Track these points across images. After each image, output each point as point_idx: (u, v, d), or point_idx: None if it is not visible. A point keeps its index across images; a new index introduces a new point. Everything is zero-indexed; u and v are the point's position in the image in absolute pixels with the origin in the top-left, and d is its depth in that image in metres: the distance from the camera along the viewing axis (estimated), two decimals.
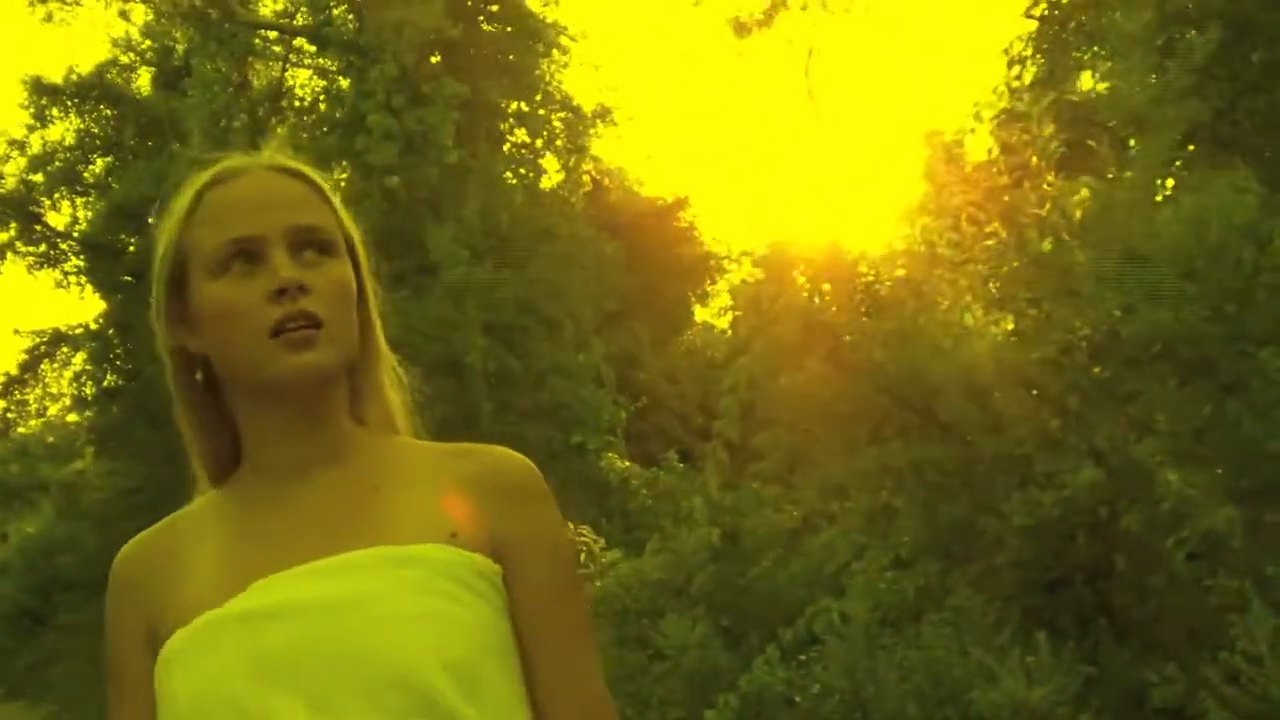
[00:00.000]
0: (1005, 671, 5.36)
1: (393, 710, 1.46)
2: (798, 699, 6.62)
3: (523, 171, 17.69)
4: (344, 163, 16.94)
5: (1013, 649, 5.63)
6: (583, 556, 9.16)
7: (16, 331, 24.11)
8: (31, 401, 25.14)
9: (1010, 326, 7.01)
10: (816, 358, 6.90)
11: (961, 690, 5.61)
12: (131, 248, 21.30)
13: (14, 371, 23.84)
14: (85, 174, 23.22)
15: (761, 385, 7.26)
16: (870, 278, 7.11)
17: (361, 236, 1.72)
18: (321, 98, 20.32)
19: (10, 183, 22.80)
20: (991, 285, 7.06)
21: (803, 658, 7.01)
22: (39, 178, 22.91)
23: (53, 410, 26.03)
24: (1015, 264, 6.68)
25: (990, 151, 7.58)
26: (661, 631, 7.62)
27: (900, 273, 7.22)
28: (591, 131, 19.31)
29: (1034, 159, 6.91)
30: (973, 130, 8.17)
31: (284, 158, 1.70)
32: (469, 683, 1.49)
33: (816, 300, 7.02)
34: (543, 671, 1.61)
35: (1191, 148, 8.58)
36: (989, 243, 6.88)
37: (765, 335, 6.77)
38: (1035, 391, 6.64)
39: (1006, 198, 6.77)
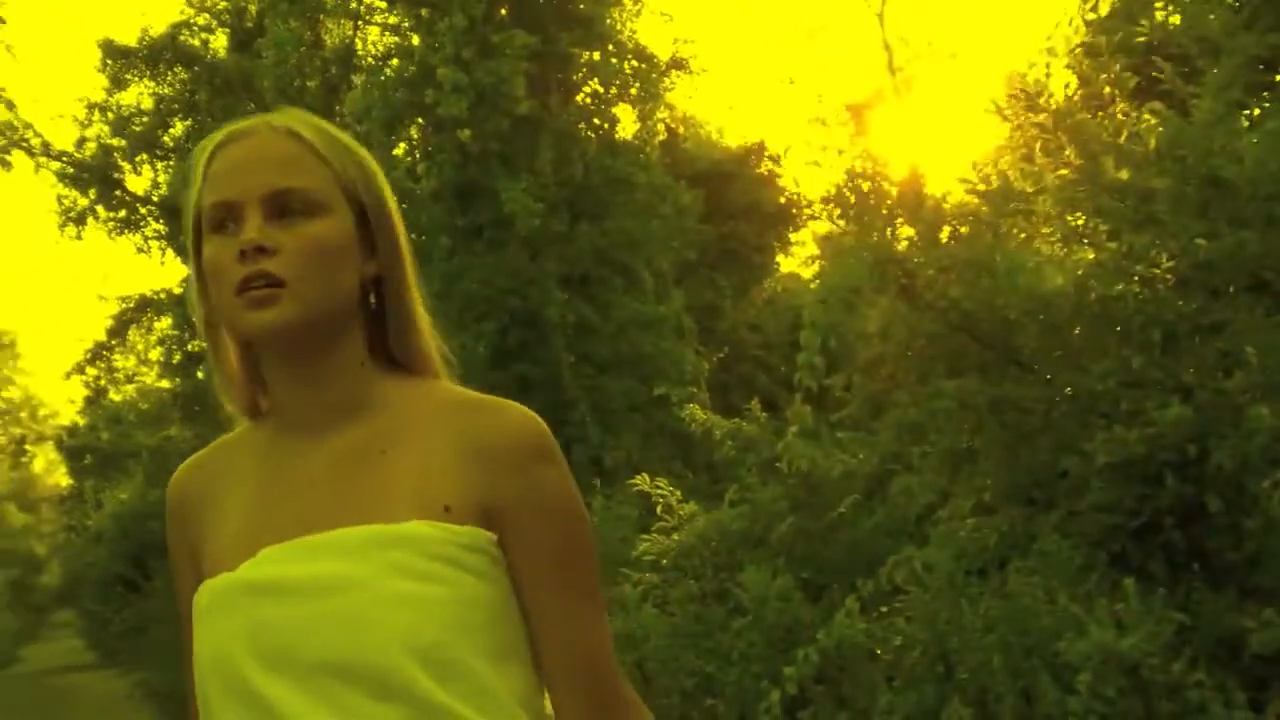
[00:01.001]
0: (1094, 620, 5.13)
1: (370, 696, 1.57)
2: (879, 651, 6.42)
3: (596, 121, 17.47)
4: (417, 119, 16.83)
5: (1100, 597, 5.40)
6: (659, 509, 9.01)
7: (102, 297, 24.27)
8: (120, 367, 25.33)
9: (1090, 258, 6.72)
10: (890, 295, 6.67)
11: (1048, 640, 5.38)
12: None
13: (103, 338, 23.96)
14: (165, 138, 23.27)
15: (838, 327, 7.05)
16: (945, 213, 6.87)
17: (381, 187, 1.85)
18: (392, 54, 20.17)
19: (90, 147, 22.91)
20: (1069, 217, 6.77)
21: (884, 609, 6.81)
22: (119, 142, 22.98)
23: (149, 378, 26.22)
24: (1092, 194, 6.39)
25: (1066, 86, 7.32)
26: (741, 584, 7.43)
27: (975, 206, 6.97)
28: (666, 81, 19.08)
29: (1109, 89, 6.63)
30: (1048, 67, 7.92)
31: (286, 116, 1.80)
32: (441, 666, 1.58)
33: (889, 235, 6.79)
34: (542, 635, 1.71)
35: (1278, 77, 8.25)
36: (1064, 172, 6.60)
37: (839, 273, 6.55)
38: (1117, 326, 6.36)
39: (1081, 128, 6.48)
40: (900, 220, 7.55)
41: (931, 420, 6.77)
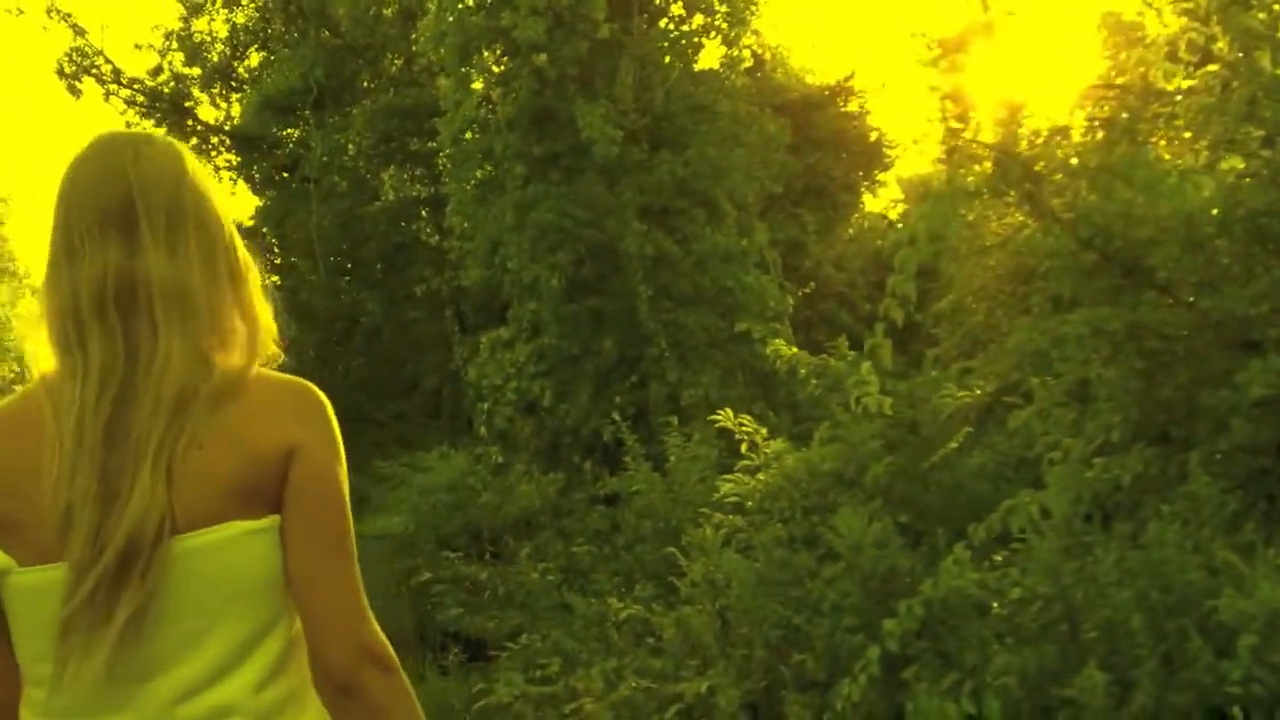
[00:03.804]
0: (1257, 575, 4.43)
1: None
2: (994, 605, 5.76)
3: (681, 43, 16.71)
4: (493, 44, 16.18)
5: (1265, 548, 4.70)
6: (743, 448, 8.39)
7: None
8: None
9: (1240, 167, 5.94)
10: (1012, 201, 5.92)
11: (1198, 597, 4.69)
12: (287, 142, 20.94)
13: None
14: (239, 69, 22.86)
15: (944, 239, 6.28)
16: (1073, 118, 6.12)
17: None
18: None
19: (164, 76, 22.54)
20: (1216, 121, 5.98)
21: (997, 558, 6.14)
22: (196, 71, 22.59)
23: None
24: (1244, 94, 5.61)
25: None
26: (833, 529, 6.76)
27: (1108, 111, 6.20)
28: (753, 6, 18.31)
29: None
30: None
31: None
32: None
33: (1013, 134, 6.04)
34: None
35: None
36: (1213, 68, 5.82)
37: (952, 173, 5.79)
38: (1270, 244, 5.62)
39: (1236, 19, 5.69)
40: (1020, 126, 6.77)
41: (1057, 348, 6.02)
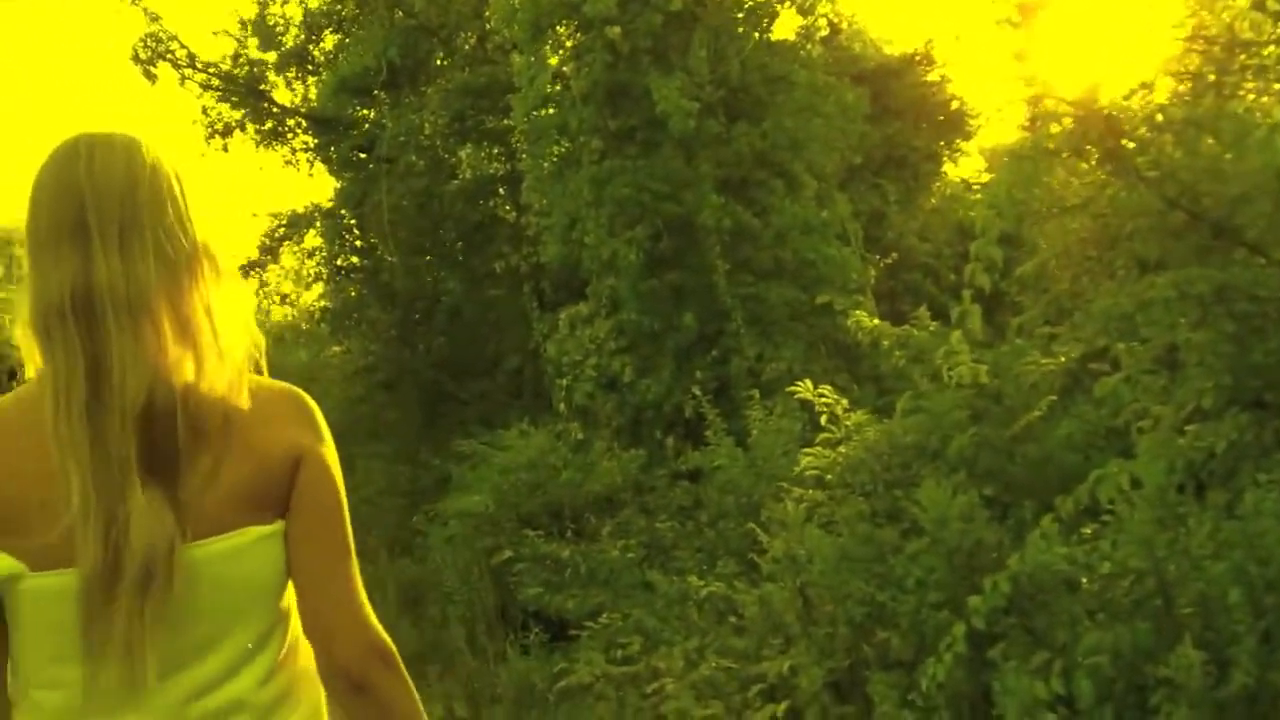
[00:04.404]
0: None
1: None
2: (1084, 581, 5.57)
3: (755, 13, 16.47)
4: (565, 19, 16.05)
5: None
6: (824, 420, 8.23)
7: (254, 214, 24.00)
8: (273, 284, 25.07)
9: None
10: (1094, 159, 5.71)
11: None
12: (363, 123, 20.93)
13: (255, 255, 23.72)
14: (315, 52, 22.90)
15: (1026, 202, 6.07)
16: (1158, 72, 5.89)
17: None
18: None
19: (241, 61, 22.64)
20: None
21: (1087, 531, 5.95)
22: (271, 56, 22.68)
23: (308, 297, 25.95)
24: None
25: None
26: (917, 502, 6.59)
27: (1194, 64, 5.96)
28: None
29: None
30: None
31: None
32: None
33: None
34: None
35: None
36: None
37: (1033, 133, 5.59)
38: None
39: None
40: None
41: (1143, 312, 5.80)
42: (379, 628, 2.29)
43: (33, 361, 2.14)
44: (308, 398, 2.36)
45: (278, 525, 2.21)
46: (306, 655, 2.33)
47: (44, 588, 2.03)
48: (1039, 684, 5.18)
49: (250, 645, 2.19)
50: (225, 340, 2.18)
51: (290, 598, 2.30)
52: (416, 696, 2.31)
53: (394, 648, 2.31)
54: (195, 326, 2.15)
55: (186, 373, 2.11)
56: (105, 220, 2.11)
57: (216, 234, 2.27)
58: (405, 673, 2.32)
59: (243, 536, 2.15)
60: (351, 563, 2.28)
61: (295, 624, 2.32)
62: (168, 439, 2.07)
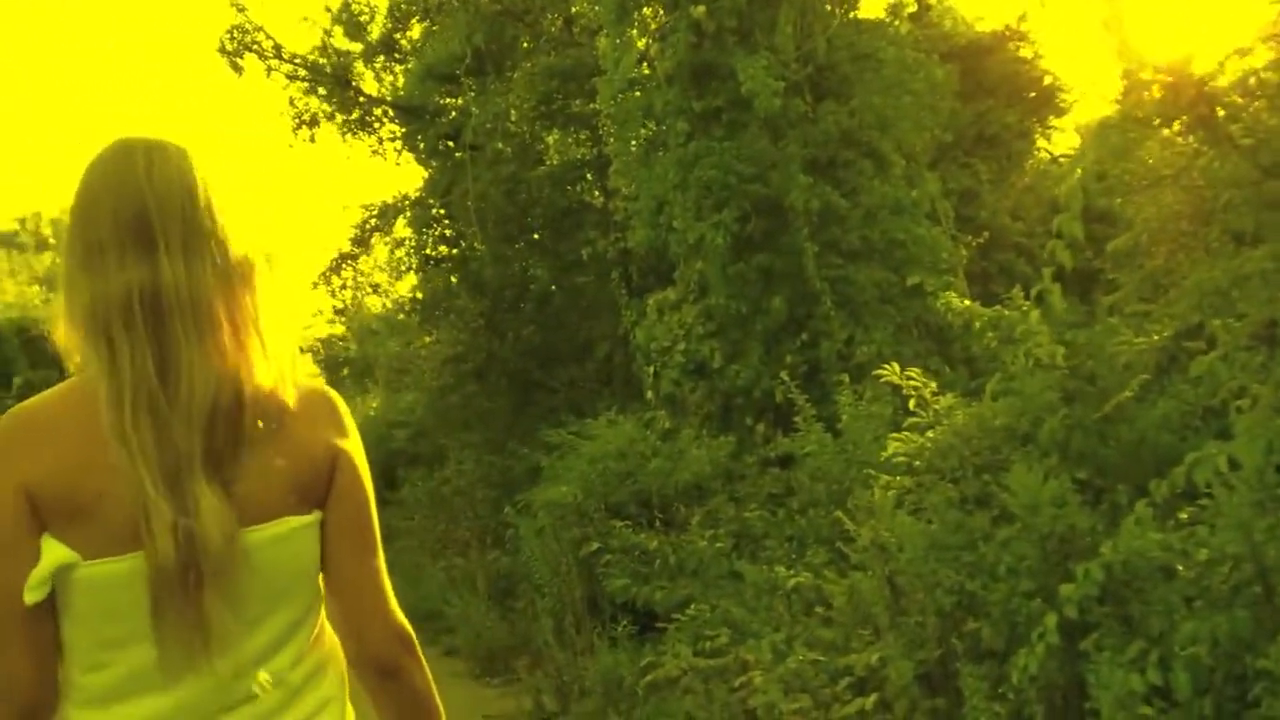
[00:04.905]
0: None
1: None
2: (1180, 567, 5.36)
3: None
4: (651, 1, 15.93)
5: None
6: (912, 404, 8.05)
7: (345, 206, 24.15)
8: (366, 274, 25.21)
9: None
10: (1184, 126, 5.48)
11: None
12: (450, 110, 20.94)
13: (346, 248, 23.87)
14: (402, 41, 22.99)
15: (1118, 175, 5.84)
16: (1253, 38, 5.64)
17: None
18: None
19: (330, 52, 22.78)
20: None
21: (1183, 515, 5.73)
22: (357, 46, 22.79)
23: (402, 287, 26.12)
24: None
25: None
26: (1007, 488, 6.40)
27: None
28: None
29: None
30: None
31: None
32: None
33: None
34: None
35: None
36: None
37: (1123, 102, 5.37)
38: None
39: None
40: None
41: (1239, 287, 5.57)
42: (403, 617, 2.49)
43: (76, 359, 2.24)
44: (339, 398, 2.50)
45: (315, 516, 2.36)
46: (332, 639, 2.50)
47: (97, 576, 2.12)
48: (1134, 675, 5.00)
49: (286, 627, 2.34)
50: (271, 343, 2.31)
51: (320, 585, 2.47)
52: (431, 679, 2.54)
53: (414, 635, 2.51)
54: (247, 330, 2.27)
55: (243, 374, 2.24)
56: (169, 225, 2.21)
57: (262, 240, 2.37)
58: (423, 657, 2.53)
59: (284, 525, 2.29)
60: (380, 556, 2.49)
61: (323, 610, 2.49)
62: (228, 436, 2.21)
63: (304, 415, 2.36)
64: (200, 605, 2.14)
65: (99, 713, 2.21)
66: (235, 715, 2.25)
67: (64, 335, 2.24)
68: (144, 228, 2.19)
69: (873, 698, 6.34)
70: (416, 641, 2.51)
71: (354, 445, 2.45)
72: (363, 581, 2.44)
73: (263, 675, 2.27)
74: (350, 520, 2.41)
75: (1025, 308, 7.93)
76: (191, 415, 2.15)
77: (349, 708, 2.50)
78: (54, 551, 2.10)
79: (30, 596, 2.11)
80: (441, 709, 2.55)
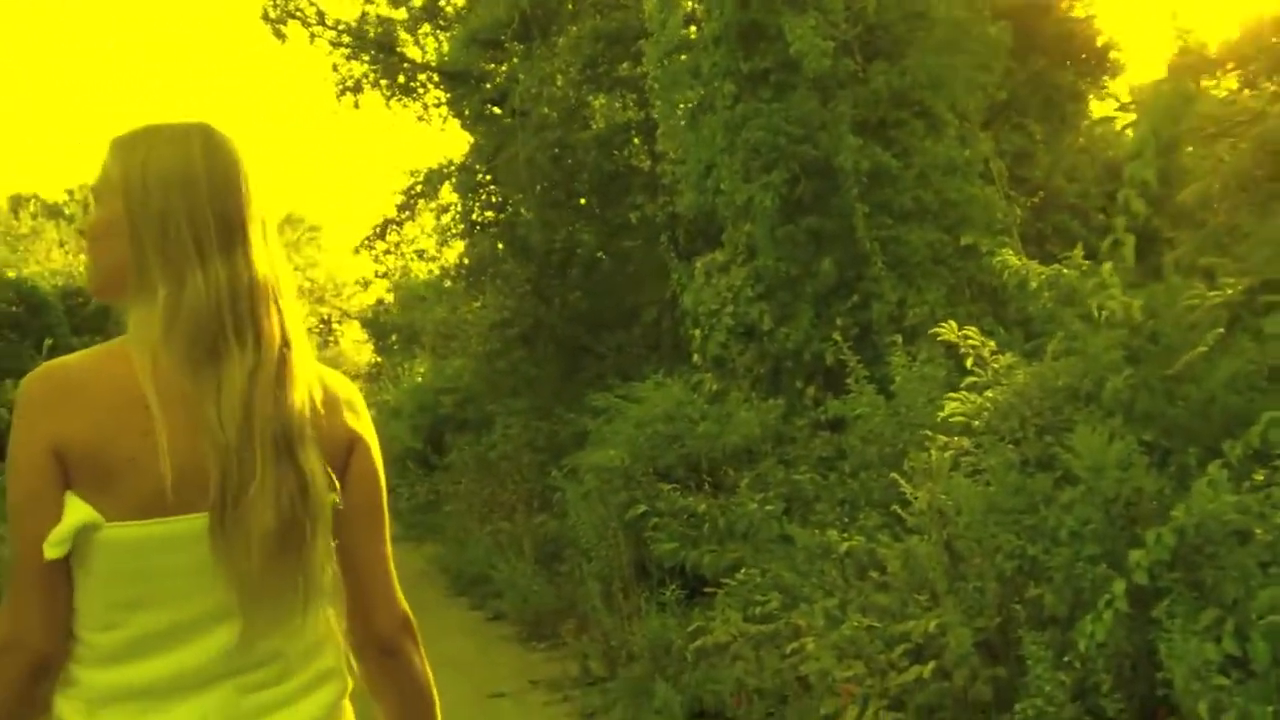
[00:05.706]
0: None
1: None
2: (1256, 531, 5.14)
3: None
4: None
5: None
6: (969, 363, 7.83)
7: (390, 173, 24.11)
8: (413, 240, 25.10)
9: None
10: (1256, 73, 5.24)
11: None
12: (496, 75, 20.76)
13: (392, 214, 23.77)
14: (445, 7, 22.80)
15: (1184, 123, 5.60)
16: None
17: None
18: None
19: (372, 19, 22.65)
20: None
21: (1258, 477, 5.50)
22: (401, 14, 22.64)
23: (449, 255, 26.00)
24: None
25: None
26: (1070, 449, 6.19)
27: None
28: None
29: None
30: None
31: None
32: None
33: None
34: None
35: None
36: None
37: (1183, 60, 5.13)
38: None
39: None
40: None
41: None
42: (404, 602, 2.57)
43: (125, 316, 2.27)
44: (353, 385, 2.57)
45: (334, 497, 2.37)
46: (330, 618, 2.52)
47: (121, 538, 2.13)
48: (1209, 645, 4.79)
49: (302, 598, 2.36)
50: (302, 323, 2.40)
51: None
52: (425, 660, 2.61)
53: (414, 618, 2.59)
54: (293, 310, 2.36)
55: (299, 353, 2.32)
56: (252, 212, 2.31)
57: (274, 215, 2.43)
58: (419, 640, 2.61)
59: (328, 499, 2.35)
60: (387, 542, 2.56)
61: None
62: (298, 415, 2.28)
63: (330, 400, 2.41)
64: (307, 562, 2.27)
65: (104, 672, 2.21)
66: (237, 680, 2.27)
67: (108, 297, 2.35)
68: (231, 216, 2.27)
69: (930, 665, 6.15)
70: (415, 625, 2.59)
71: (369, 430, 2.51)
72: (374, 564, 2.52)
73: (263, 644, 2.28)
74: (365, 503, 2.47)
75: (1087, 266, 7.69)
76: (275, 393, 2.25)
77: (349, 682, 2.52)
78: (77, 511, 2.11)
79: (51, 553, 2.11)
80: (436, 695, 2.61)
